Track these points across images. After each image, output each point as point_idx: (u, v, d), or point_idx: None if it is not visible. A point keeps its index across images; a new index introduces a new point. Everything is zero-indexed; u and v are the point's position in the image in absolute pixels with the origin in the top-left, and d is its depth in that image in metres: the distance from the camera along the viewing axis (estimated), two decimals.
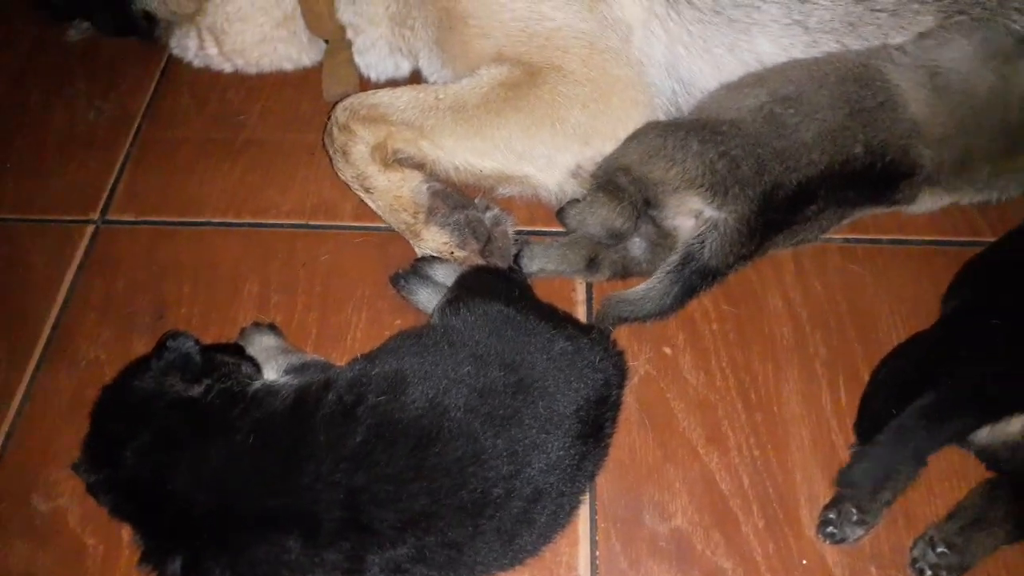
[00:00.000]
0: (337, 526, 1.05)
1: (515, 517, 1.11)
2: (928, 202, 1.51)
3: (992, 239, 1.53)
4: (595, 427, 1.20)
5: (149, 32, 1.90)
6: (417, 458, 1.08)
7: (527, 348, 1.21)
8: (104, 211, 1.68)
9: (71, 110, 1.88)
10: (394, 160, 1.51)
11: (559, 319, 1.29)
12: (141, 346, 1.45)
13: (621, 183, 1.43)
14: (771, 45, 1.59)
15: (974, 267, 1.40)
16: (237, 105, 1.87)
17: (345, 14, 1.74)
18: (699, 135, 1.42)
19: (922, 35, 1.56)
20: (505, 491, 1.10)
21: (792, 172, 1.40)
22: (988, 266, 1.38)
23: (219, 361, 1.22)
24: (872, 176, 1.43)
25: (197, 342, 1.22)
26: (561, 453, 1.14)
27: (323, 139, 1.59)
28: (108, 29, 1.96)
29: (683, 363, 1.41)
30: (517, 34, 1.55)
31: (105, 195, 1.71)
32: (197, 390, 1.16)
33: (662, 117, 1.59)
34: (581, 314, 1.48)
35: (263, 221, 1.65)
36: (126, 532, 1.22)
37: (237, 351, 1.31)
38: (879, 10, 1.56)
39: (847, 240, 1.56)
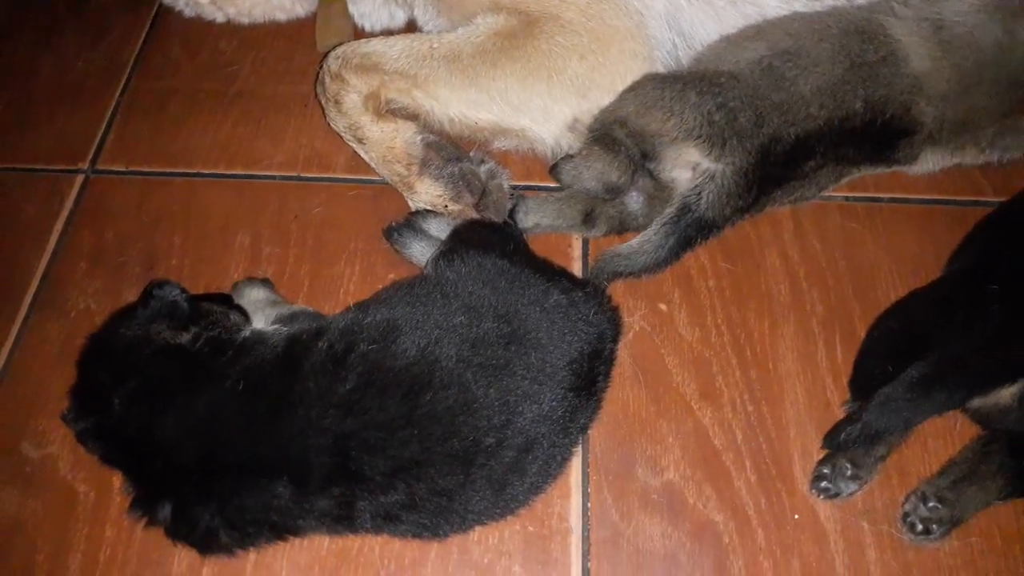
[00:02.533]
0: (327, 472, 1.04)
1: (506, 466, 1.10)
2: (929, 162, 1.48)
3: (994, 199, 1.51)
4: (588, 380, 1.19)
5: None
6: (408, 406, 1.07)
7: (521, 300, 1.19)
8: (94, 161, 1.65)
9: (60, 61, 1.84)
10: (387, 110, 1.48)
11: (554, 272, 1.28)
12: (131, 296, 1.43)
13: (617, 136, 1.40)
14: None
15: (980, 228, 1.38)
16: (229, 56, 1.83)
17: None
18: (697, 87, 1.40)
19: None
20: (496, 440, 1.09)
21: (790, 126, 1.37)
22: (992, 228, 1.35)
23: (206, 309, 1.21)
24: (872, 133, 1.41)
25: (184, 290, 1.20)
26: (553, 404, 1.13)
27: (315, 89, 1.56)
28: None
29: (678, 320, 1.40)
30: None
31: (95, 145, 1.68)
32: (185, 337, 1.14)
33: (660, 69, 1.56)
34: (577, 270, 1.47)
35: (255, 173, 1.62)
36: (117, 478, 1.21)
37: (225, 300, 1.30)
38: None
39: (847, 198, 1.54)
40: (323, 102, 1.53)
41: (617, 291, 1.42)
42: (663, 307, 1.42)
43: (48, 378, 1.36)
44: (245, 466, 1.05)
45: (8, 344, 1.41)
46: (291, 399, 1.07)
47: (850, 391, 1.29)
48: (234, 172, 1.62)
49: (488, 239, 1.33)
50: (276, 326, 1.24)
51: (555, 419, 1.14)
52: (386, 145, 1.48)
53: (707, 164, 1.37)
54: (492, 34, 1.50)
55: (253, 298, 1.34)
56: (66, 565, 1.20)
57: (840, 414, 1.27)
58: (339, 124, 1.51)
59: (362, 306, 1.23)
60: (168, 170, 1.63)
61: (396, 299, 1.21)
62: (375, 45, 1.51)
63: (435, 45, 1.50)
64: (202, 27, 1.87)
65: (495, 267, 1.23)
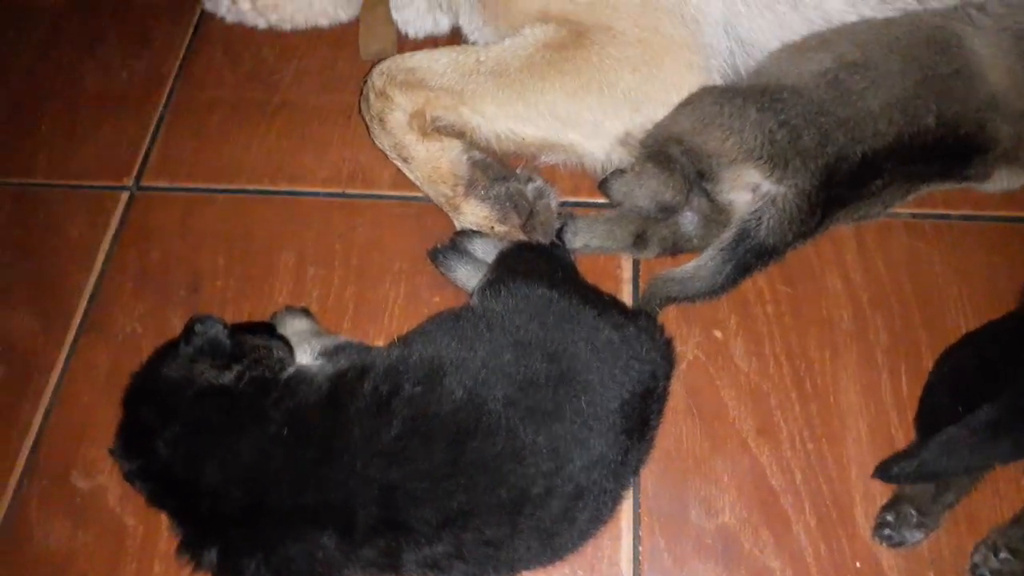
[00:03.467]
0: (372, 523, 1.02)
1: (555, 515, 1.07)
2: (1004, 180, 1.39)
3: None
4: (640, 421, 1.15)
5: None
6: (454, 453, 1.04)
7: (570, 336, 1.15)
8: (138, 177, 1.64)
9: (104, 71, 1.83)
10: (433, 128, 1.43)
11: (604, 303, 1.23)
12: (176, 320, 1.43)
13: (672, 153, 1.34)
14: (840, 2, 1.46)
15: None
16: (272, 63, 1.80)
17: None
18: (758, 102, 1.32)
19: None
20: (545, 489, 1.05)
21: (857, 143, 1.30)
22: None
23: (250, 345, 1.18)
24: (944, 150, 1.32)
25: (225, 325, 1.18)
26: (604, 450, 1.09)
27: (359, 104, 1.52)
28: None
29: (734, 348, 1.34)
30: None
31: (139, 160, 1.67)
32: (228, 377, 1.12)
33: (718, 80, 1.49)
34: (627, 293, 1.42)
35: (298, 189, 1.59)
36: (165, 514, 1.21)
37: (268, 330, 1.28)
38: None
39: (914, 215, 1.45)
40: (367, 120, 1.49)
41: (669, 315, 1.37)
42: (718, 334, 1.36)
43: (96, 404, 1.36)
44: (290, 514, 1.03)
45: (57, 369, 1.41)
46: (336, 446, 1.04)
47: (915, 429, 1.22)
48: (278, 189, 1.60)
49: (535, 266, 1.28)
50: (321, 361, 1.22)
51: (606, 465, 1.09)
52: (432, 165, 1.44)
53: (768, 186, 1.30)
54: (540, 46, 1.44)
55: (296, 329, 1.32)
56: None
57: None
58: (384, 143, 1.48)
59: (407, 340, 1.20)
60: (212, 186, 1.61)
61: (441, 334, 1.17)
62: (420, 60, 1.46)
63: (482, 59, 1.45)
64: (244, 33, 1.84)
65: (543, 299, 1.19)
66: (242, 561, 1.03)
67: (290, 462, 1.05)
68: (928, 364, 1.28)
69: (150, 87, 1.79)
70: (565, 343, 1.14)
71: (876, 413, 1.26)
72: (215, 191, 1.61)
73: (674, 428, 1.27)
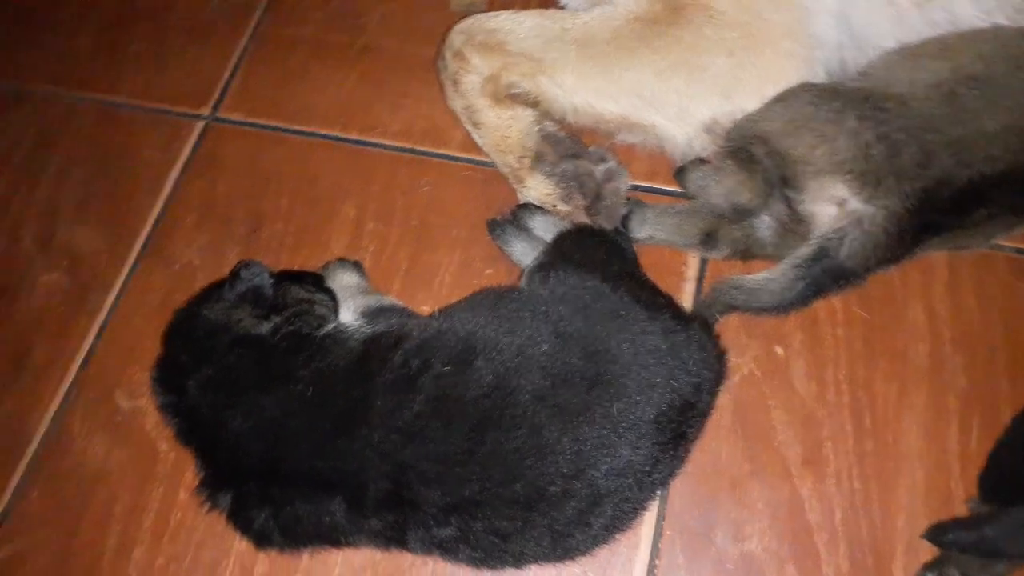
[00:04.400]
0: (382, 497, 1.00)
1: (570, 518, 1.03)
2: None
3: None
4: (676, 435, 1.08)
5: None
6: (472, 441, 1.00)
7: (614, 336, 1.09)
8: (215, 107, 1.64)
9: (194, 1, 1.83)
10: (507, 95, 1.37)
11: (658, 304, 1.15)
12: (233, 256, 1.44)
13: (756, 153, 1.25)
14: (972, 5, 1.32)
15: None
16: (359, 5, 1.75)
17: None
18: (858, 109, 1.21)
19: None
20: (563, 490, 1.01)
21: (964, 167, 1.17)
22: None
23: (292, 297, 1.17)
24: None
25: (272, 274, 1.17)
26: (631, 459, 1.04)
27: (436, 64, 1.47)
28: None
29: (795, 368, 1.26)
30: None
31: (218, 90, 1.66)
32: (266, 327, 1.12)
33: (822, 75, 1.37)
34: (688, 292, 1.34)
35: (369, 140, 1.56)
36: None
37: (316, 282, 1.26)
38: None
39: (1020, 251, 1.32)
40: (441, 79, 1.44)
41: (730, 323, 1.29)
42: (779, 351, 1.28)
43: (147, 329, 1.38)
44: (304, 477, 1.02)
45: (116, 288, 1.44)
46: (357, 416, 1.03)
47: (978, 487, 1.13)
48: (349, 136, 1.57)
49: (591, 253, 1.22)
50: (361, 321, 1.20)
51: (631, 474, 1.04)
52: (501, 133, 1.39)
53: (856, 204, 1.20)
54: (632, 18, 1.36)
55: (344, 283, 1.30)
56: (140, 522, 1.24)
57: (961, 511, 1.12)
58: (456, 104, 1.43)
59: (448, 313, 1.16)
60: (285, 126, 1.60)
61: (481, 312, 1.13)
62: (503, 21, 1.39)
63: (568, 26, 1.38)
64: None
65: (592, 292, 1.13)
66: (252, 512, 1.03)
67: (310, 424, 1.04)
68: (1005, 419, 1.17)
69: (238, 18, 1.77)
70: (607, 342, 1.08)
71: (937, 462, 1.17)
72: (287, 131, 1.59)
73: (715, 444, 1.20)
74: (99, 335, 1.40)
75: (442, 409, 1.02)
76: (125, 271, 1.46)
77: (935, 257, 1.32)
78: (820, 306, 1.29)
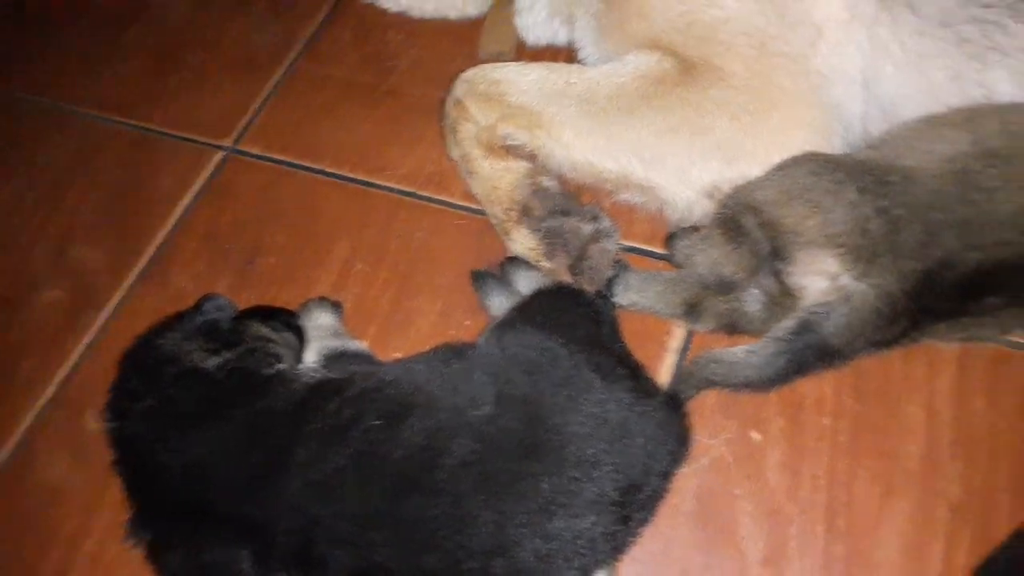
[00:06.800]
0: (289, 553, 0.96)
1: None
2: None
3: None
4: (618, 518, 1.01)
5: None
6: (390, 504, 0.96)
7: (561, 404, 1.03)
8: (238, 139, 1.68)
9: (243, 32, 1.88)
10: (502, 146, 1.35)
11: (618, 375, 1.08)
12: (224, 286, 1.45)
13: (745, 224, 1.18)
14: (1011, 82, 1.22)
15: None
16: (393, 49, 1.78)
17: None
18: (860, 181, 1.13)
19: None
20: (480, 567, 0.95)
21: (972, 250, 1.07)
22: None
23: (250, 333, 1.17)
24: None
25: (235, 308, 1.18)
26: (564, 541, 0.97)
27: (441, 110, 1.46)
28: None
29: (770, 457, 1.16)
30: (677, 19, 1.31)
31: (244, 123, 1.71)
32: (213, 362, 1.11)
33: (837, 144, 1.29)
34: (668, 364, 1.27)
35: (375, 181, 1.56)
36: None
37: (287, 320, 1.26)
38: None
39: None
40: (443, 126, 1.43)
41: (708, 401, 1.21)
42: (756, 436, 1.19)
43: None
44: (220, 522, 1.00)
45: (109, 308, 1.47)
46: (278, 463, 1.00)
47: None
48: (356, 176, 1.58)
49: (560, 315, 1.17)
50: (317, 364, 1.18)
51: (562, 557, 0.97)
52: (491, 184, 1.36)
53: (846, 280, 1.11)
54: (638, 76, 1.32)
55: (317, 323, 1.29)
56: (81, 547, 1.23)
57: None
58: (454, 152, 1.42)
59: (400, 365, 1.13)
60: (298, 161, 1.62)
61: (431, 367, 1.09)
62: (507, 72, 1.38)
63: (572, 80, 1.35)
64: (376, 15, 1.84)
65: (548, 356, 1.08)
66: (166, 555, 1.01)
67: (235, 467, 1.02)
68: (1000, 537, 1.04)
69: (276, 54, 1.82)
70: (552, 411, 1.02)
71: None
72: (298, 167, 1.61)
73: (670, 529, 1.12)
74: (85, 355, 1.43)
75: (365, 465, 0.98)
76: (121, 293, 1.49)
77: (945, 351, 1.20)
78: (808, 392, 1.20)
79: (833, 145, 1.28)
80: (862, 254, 1.09)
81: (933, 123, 1.22)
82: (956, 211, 1.09)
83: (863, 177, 1.13)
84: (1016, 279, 1.09)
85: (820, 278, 1.13)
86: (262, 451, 1.02)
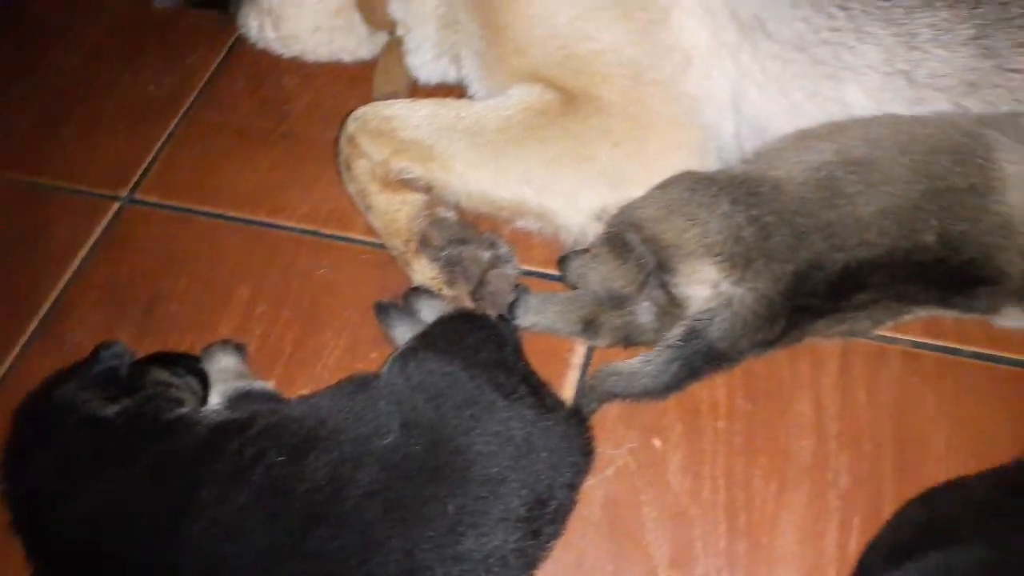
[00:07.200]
0: None
1: None
2: (1016, 318, 1.20)
3: None
4: (527, 533, 1.03)
5: (225, 7, 1.88)
6: (295, 538, 0.96)
7: (465, 426, 1.05)
8: (134, 189, 1.67)
9: (135, 82, 1.87)
10: (397, 180, 1.38)
11: (519, 393, 1.11)
12: (124, 337, 1.41)
13: (630, 241, 1.23)
14: (865, 96, 1.31)
15: None
16: (288, 93, 1.80)
17: (396, 9, 1.61)
18: (733, 193, 1.20)
19: None
20: None
21: (838, 251, 1.15)
22: None
23: (150, 379, 1.15)
24: (943, 273, 1.16)
25: (131, 355, 1.16)
26: (475, 560, 0.99)
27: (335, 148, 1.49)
28: (192, 1, 1.95)
29: (671, 462, 1.21)
30: (554, 53, 1.37)
31: (139, 172, 1.69)
32: (112, 410, 1.09)
33: (714, 162, 1.37)
34: (571, 381, 1.31)
35: (275, 222, 1.57)
36: None
37: (189, 365, 1.25)
38: (1014, 70, 1.24)
39: (916, 344, 1.28)
40: (338, 163, 1.46)
41: (610, 414, 1.25)
42: (657, 443, 1.23)
43: None
44: (123, 574, 0.98)
45: (4, 368, 1.43)
46: (181, 506, 0.99)
47: None
48: (256, 218, 1.58)
49: (462, 340, 1.19)
50: (220, 406, 1.18)
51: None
52: (389, 217, 1.39)
53: (726, 286, 1.17)
54: (523, 108, 1.37)
55: (220, 366, 1.28)
56: None
57: None
58: (350, 188, 1.44)
59: (304, 400, 1.14)
60: (196, 208, 1.62)
61: (334, 400, 1.10)
62: (398, 109, 1.41)
63: (462, 114, 1.39)
64: (271, 61, 1.85)
65: (450, 380, 1.10)
66: None
67: (137, 515, 1.01)
68: (886, 519, 1.10)
69: (171, 103, 1.82)
70: (456, 433, 1.04)
71: (813, 565, 1.10)
72: (197, 213, 1.61)
73: (581, 541, 1.14)
74: None
75: (269, 502, 0.98)
76: (15, 351, 1.45)
77: (827, 349, 1.28)
78: (704, 397, 1.25)
79: (708, 163, 1.35)
80: (738, 260, 1.15)
81: (801, 136, 1.30)
82: (822, 215, 1.16)
83: (736, 189, 1.20)
84: (881, 276, 1.16)
85: (702, 286, 1.19)
86: (164, 496, 1.01)
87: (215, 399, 1.23)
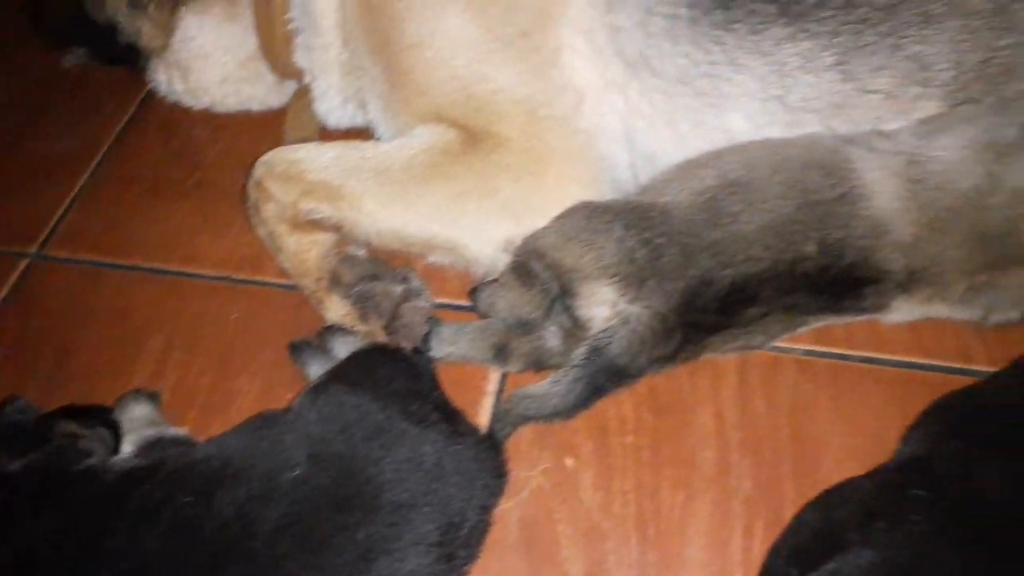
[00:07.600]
0: None
1: None
2: (905, 312, 1.28)
3: (985, 368, 1.29)
4: (441, 557, 1.05)
5: (134, 62, 1.89)
6: None
7: (374, 455, 1.07)
8: (43, 245, 1.66)
9: (46, 138, 1.88)
10: (307, 221, 1.41)
11: (430, 420, 1.14)
12: (33, 394, 1.38)
13: (533, 268, 1.28)
14: (745, 122, 1.40)
15: (938, 407, 1.17)
16: (200, 143, 1.83)
17: (301, 58, 1.66)
18: (626, 219, 1.26)
19: (922, 121, 1.34)
20: None
21: (725, 268, 1.21)
22: (945, 412, 1.14)
23: (58, 431, 1.14)
24: (828, 280, 1.23)
25: (36, 410, 1.15)
26: None
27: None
28: (101, 57, 1.96)
29: (583, 479, 1.24)
30: (454, 94, 1.43)
31: (49, 228, 1.69)
32: (16, 465, 1.08)
33: (608, 192, 1.43)
34: (487, 407, 1.34)
35: (187, 270, 1.58)
36: None
37: (100, 416, 1.24)
38: (872, 92, 1.35)
39: (808, 352, 1.35)
40: (247, 207, 1.48)
41: (524, 436, 1.28)
42: (569, 462, 1.26)
43: None
44: None
45: None
46: (91, 555, 0.98)
47: None
48: (168, 268, 1.59)
49: (372, 372, 1.21)
50: (129, 454, 1.17)
51: None
52: (299, 257, 1.41)
53: (623, 305, 1.22)
54: (426, 147, 1.42)
55: (133, 415, 1.28)
56: None
57: None
58: (260, 231, 1.46)
59: (213, 441, 1.14)
60: (108, 261, 1.61)
61: (243, 438, 1.11)
62: (305, 152, 1.45)
63: (368, 155, 1.43)
64: (181, 112, 1.87)
65: (359, 411, 1.12)
66: None
67: (47, 567, 0.99)
68: (787, 521, 1.15)
69: (81, 158, 1.82)
70: (365, 462, 1.06)
71: (720, 570, 1.14)
72: (109, 266, 1.61)
73: (497, 563, 1.16)
74: None
75: (178, 543, 0.98)
76: None
77: (725, 362, 1.34)
78: (612, 414, 1.30)
79: (603, 193, 1.42)
80: (632, 280, 1.21)
81: (687, 165, 1.38)
82: (707, 235, 1.23)
83: (628, 215, 1.27)
84: (767, 290, 1.23)
85: (602, 307, 1.25)
86: (73, 546, 1.00)
87: (127, 448, 1.22)
